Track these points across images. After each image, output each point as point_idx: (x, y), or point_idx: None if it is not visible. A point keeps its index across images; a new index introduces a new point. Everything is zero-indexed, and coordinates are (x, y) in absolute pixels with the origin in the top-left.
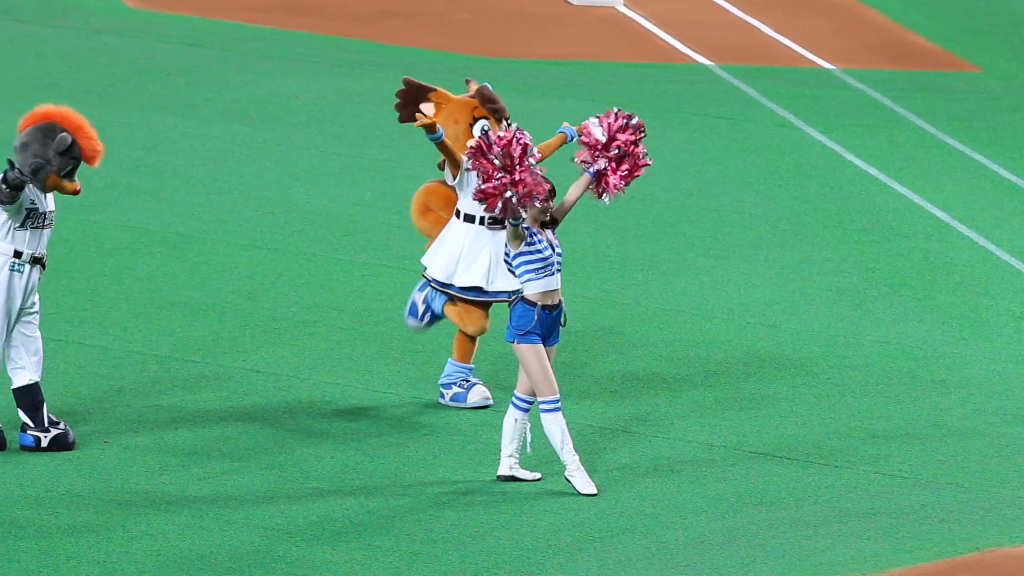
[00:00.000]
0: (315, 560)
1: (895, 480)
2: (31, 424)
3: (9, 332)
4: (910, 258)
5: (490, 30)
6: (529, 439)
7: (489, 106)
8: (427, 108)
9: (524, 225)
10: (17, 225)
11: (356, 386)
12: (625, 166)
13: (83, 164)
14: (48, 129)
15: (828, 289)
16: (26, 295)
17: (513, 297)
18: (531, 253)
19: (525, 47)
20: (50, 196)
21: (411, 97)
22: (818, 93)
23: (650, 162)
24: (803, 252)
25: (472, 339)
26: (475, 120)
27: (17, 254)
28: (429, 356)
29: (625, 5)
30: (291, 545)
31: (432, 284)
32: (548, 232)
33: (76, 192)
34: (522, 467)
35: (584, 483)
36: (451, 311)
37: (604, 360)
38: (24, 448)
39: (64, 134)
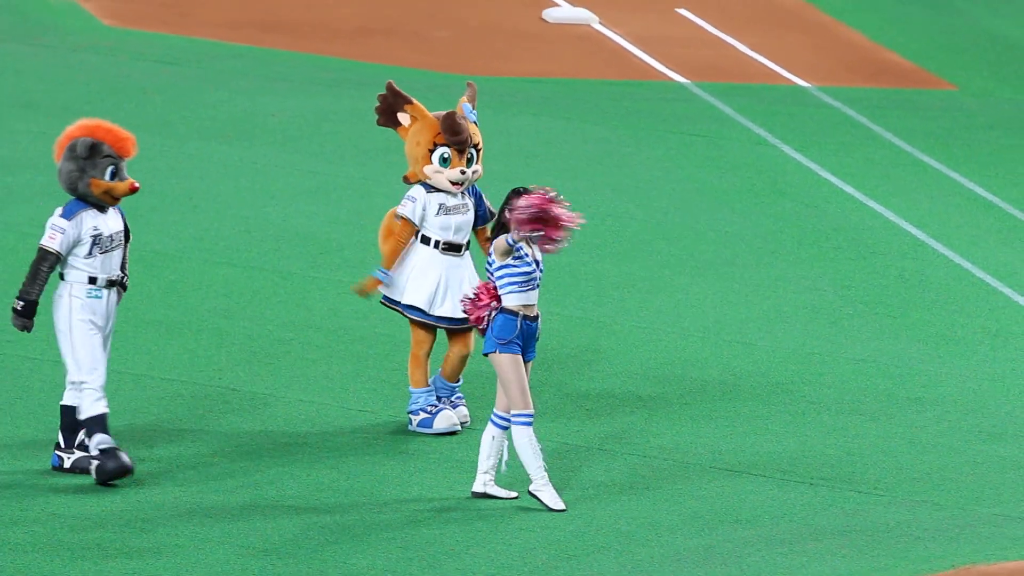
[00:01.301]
0: None
1: (870, 498)
2: (61, 443)
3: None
4: (886, 276)
5: (467, 48)
6: (506, 457)
7: (450, 137)
8: (403, 118)
9: (518, 244)
10: (86, 253)
11: (331, 404)
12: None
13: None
14: (70, 148)
15: (804, 307)
16: (107, 318)
17: (490, 312)
18: (516, 267)
19: (502, 64)
20: (113, 216)
21: (389, 104)
22: (794, 111)
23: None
24: (779, 270)
25: (422, 364)
26: (436, 146)
27: (92, 280)
28: (404, 375)
29: (601, 23)
30: (266, 563)
31: (383, 302)
32: (535, 248)
33: (133, 189)
34: (497, 485)
35: (552, 498)
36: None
37: (579, 378)
38: (53, 467)
39: (82, 138)
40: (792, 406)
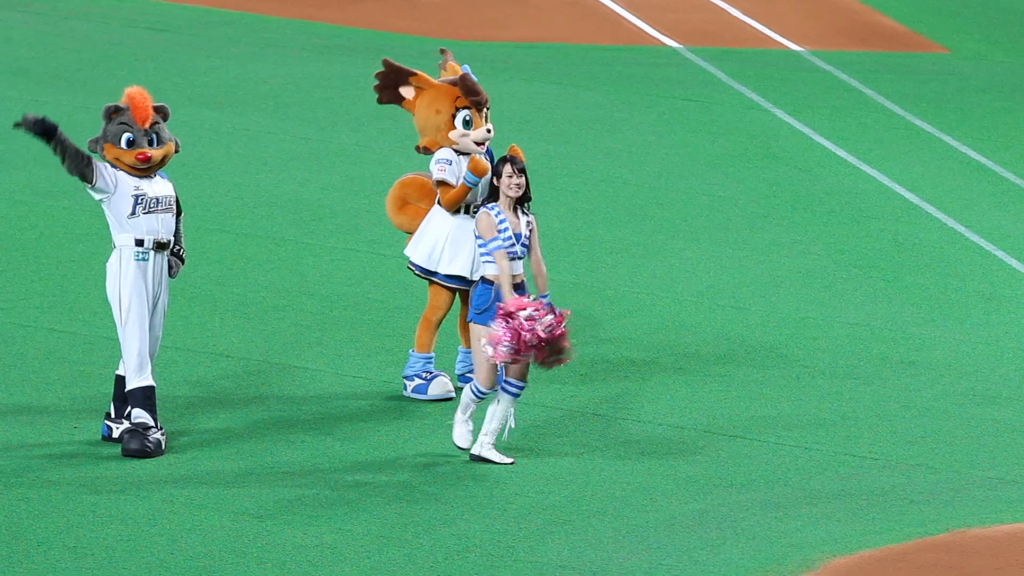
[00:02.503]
0: (286, 544)
1: (865, 461)
2: (112, 413)
3: (151, 321)
4: (879, 240)
5: (459, 13)
6: (512, 425)
7: (472, 98)
8: (407, 92)
9: (496, 210)
10: (129, 211)
11: (326, 370)
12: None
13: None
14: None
15: (797, 271)
16: (155, 283)
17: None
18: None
19: (494, 30)
20: (161, 180)
21: (391, 79)
22: (786, 75)
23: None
24: (772, 234)
25: (433, 330)
26: (457, 110)
27: (139, 242)
28: (399, 340)
29: None
30: (261, 529)
31: (415, 271)
32: (521, 218)
33: (139, 158)
34: (496, 449)
35: (496, 456)
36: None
37: (573, 342)
38: (103, 437)
39: (106, 104)
40: (786, 370)
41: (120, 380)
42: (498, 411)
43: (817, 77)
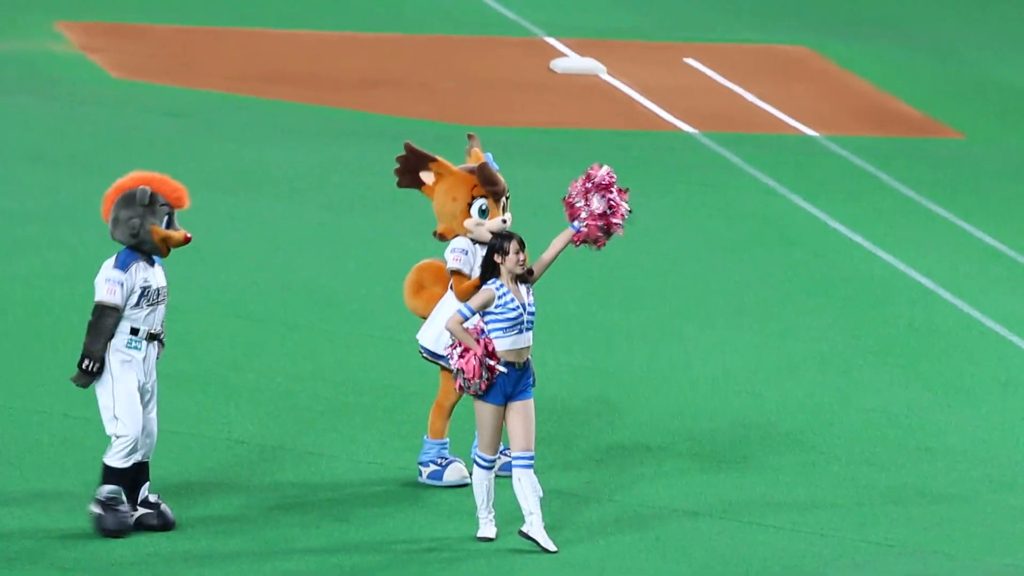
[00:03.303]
0: None
1: (881, 548)
2: (125, 500)
3: (145, 414)
4: (895, 325)
5: (474, 98)
6: (540, 494)
7: (488, 188)
8: (426, 177)
9: (499, 283)
10: (134, 303)
11: (341, 456)
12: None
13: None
14: (126, 197)
15: (814, 357)
16: (146, 372)
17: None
18: (500, 311)
19: (509, 115)
20: (160, 272)
21: (411, 164)
22: (802, 160)
23: (625, 206)
24: (788, 319)
25: (446, 415)
26: (473, 199)
27: (134, 331)
28: (414, 426)
29: (608, 73)
30: None
31: (424, 355)
32: (522, 288)
33: (187, 239)
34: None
35: (489, 530)
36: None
37: (589, 428)
38: None
39: (141, 187)
40: (802, 456)
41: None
42: (524, 489)
43: (832, 162)
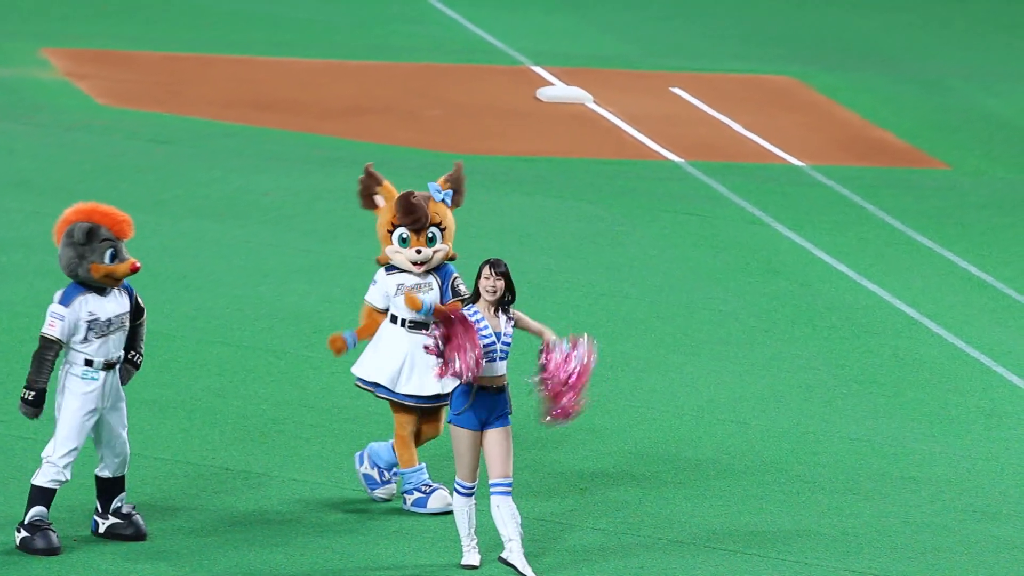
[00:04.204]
0: None
1: None
2: (99, 509)
3: (98, 433)
4: (880, 355)
5: (461, 126)
6: (519, 520)
7: (402, 219)
8: (379, 200)
9: (474, 309)
10: (80, 338)
11: (326, 483)
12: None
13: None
14: (68, 233)
15: (798, 386)
16: (105, 398)
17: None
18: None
19: (495, 143)
20: (114, 299)
21: (367, 186)
22: (787, 190)
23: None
24: (773, 349)
25: (408, 443)
26: (393, 227)
27: (88, 363)
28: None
29: (595, 102)
30: None
31: (357, 383)
32: (501, 318)
33: (134, 269)
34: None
35: (473, 557)
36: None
37: (573, 457)
38: (92, 532)
39: (79, 223)
40: (786, 485)
41: (99, 480)
42: (503, 516)
43: (818, 192)
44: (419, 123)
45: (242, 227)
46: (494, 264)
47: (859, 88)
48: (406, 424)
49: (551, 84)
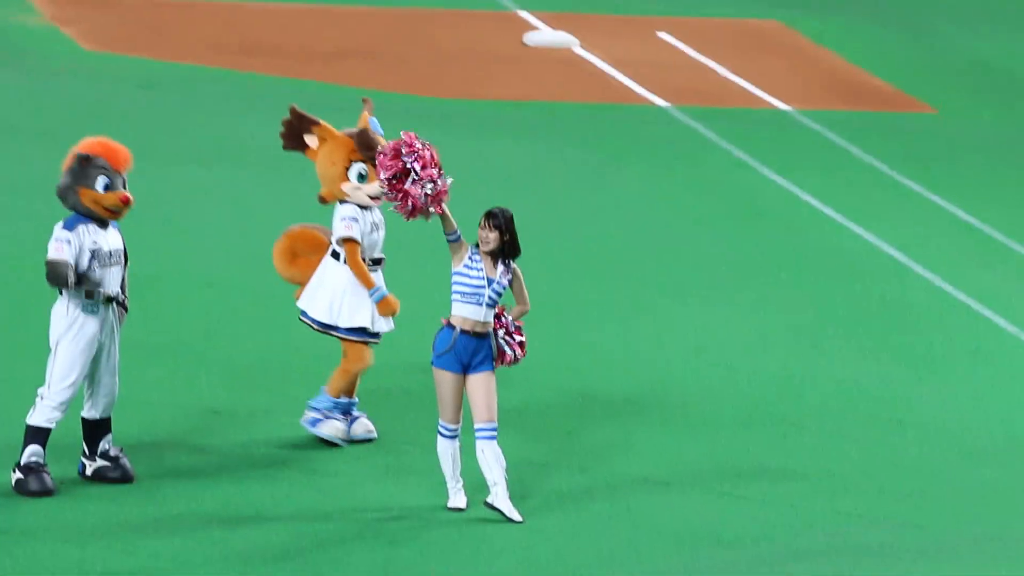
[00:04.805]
0: None
1: (852, 519)
2: (86, 451)
3: (92, 371)
4: (867, 298)
5: (446, 71)
6: (504, 464)
7: (365, 153)
8: (311, 140)
9: (473, 250)
10: (84, 265)
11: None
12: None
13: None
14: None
15: (785, 329)
16: (104, 334)
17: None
18: (464, 275)
19: (481, 88)
20: (113, 235)
21: (295, 128)
22: (774, 134)
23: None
24: (760, 292)
25: (350, 380)
26: (352, 163)
27: (89, 294)
28: (385, 396)
29: (581, 47)
30: None
31: (312, 325)
32: (499, 267)
33: (123, 200)
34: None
35: (459, 500)
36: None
37: (560, 399)
38: (78, 473)
39: (75, 151)
40: (773, 428)
41: (85, 422)
42: (488, 460)
43: (805, 136)
44: (405, 67)
45: (229, 171)
46: (490, 215)
47: (845, 32)
48: (361, 362)
49: (538, 29)
